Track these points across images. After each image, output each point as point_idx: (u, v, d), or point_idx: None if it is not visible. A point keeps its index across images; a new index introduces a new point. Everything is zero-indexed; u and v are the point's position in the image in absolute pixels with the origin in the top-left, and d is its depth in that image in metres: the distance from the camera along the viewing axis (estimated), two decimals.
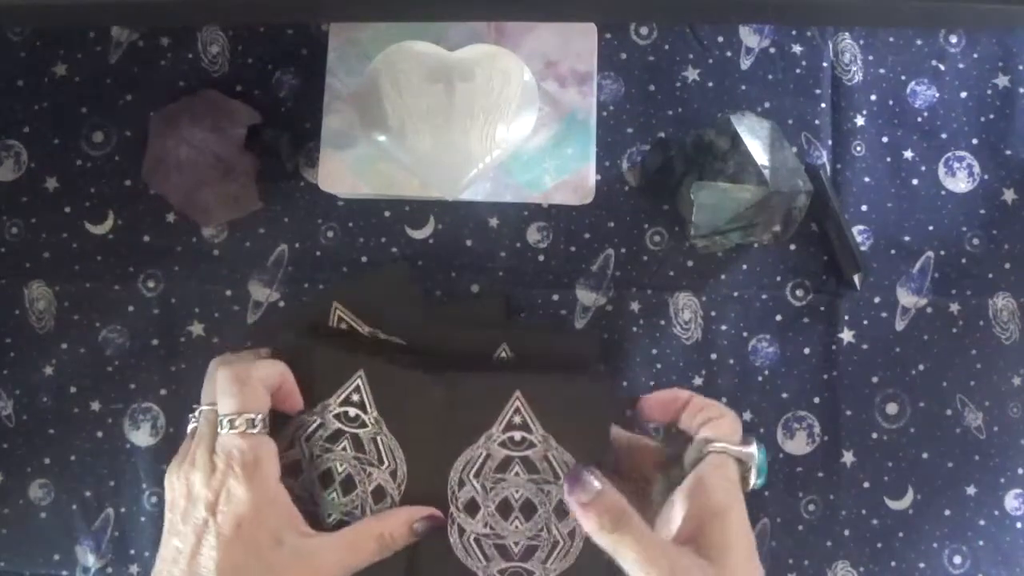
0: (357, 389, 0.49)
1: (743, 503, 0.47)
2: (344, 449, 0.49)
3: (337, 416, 0.49)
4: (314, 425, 0.49)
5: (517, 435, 0.49)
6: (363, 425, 0.49)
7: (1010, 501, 0.59)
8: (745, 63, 0.61)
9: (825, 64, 0.61)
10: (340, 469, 0.49)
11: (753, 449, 0.48)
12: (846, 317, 0.59)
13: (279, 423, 0.49)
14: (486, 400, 0.49)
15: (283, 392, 0.49)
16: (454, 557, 0.49)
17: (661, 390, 0.52)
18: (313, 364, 0.49)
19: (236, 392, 0.46)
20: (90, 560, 0.58)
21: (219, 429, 0.46)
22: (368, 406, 0.49)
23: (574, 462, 0.49)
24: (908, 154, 0.61)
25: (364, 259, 0.60)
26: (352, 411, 0.49)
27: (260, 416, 0.46)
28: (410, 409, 0.49)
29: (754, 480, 0.48)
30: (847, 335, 0.59)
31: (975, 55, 0.61)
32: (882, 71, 0.61)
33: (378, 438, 0.49)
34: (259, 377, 0.47)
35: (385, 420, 0.49)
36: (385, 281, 0.56)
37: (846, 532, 0.58)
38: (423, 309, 0.56)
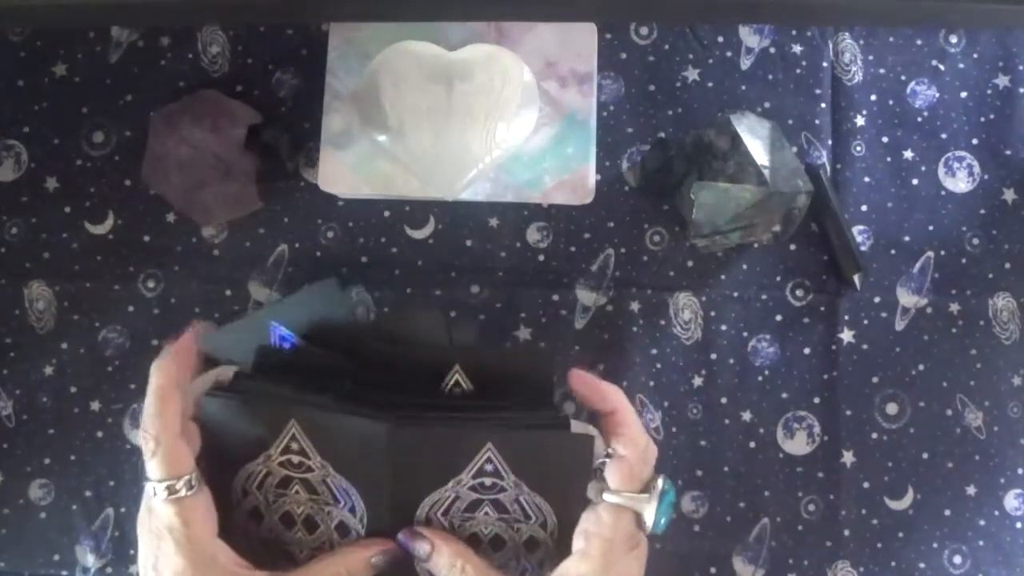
0: (294, 438, 0.48)
1: (629, 556, 0.47)
2: (297, 492, 0.49)
3: (282, 464, 0.48)
4: (261, 474, 0.49)
5: (488, 480, 0.48)
6: (309, 470, 0.48)
7: (1010, 501, 0.59)
8: (745, 63, 0.61)
9: (825, 64, 0.61)
10: (299, 511, 0.49)
11: (658, 488, 0.47)
12: (846, 317, 0.59)
13: (227, 475, 0.49)
14: (456, 449, 0.48)
15: (183, 373, 0.48)
16: None
17: (596, 379, 0.50)
18: (244, 420, 0.48)
19: (151, 459, 0.45)
20: (90, 560, 0.58)
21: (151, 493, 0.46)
22: (310, 452, 0.48)
23: (547, 505, 0.48)
24: (908, 154, 0.61)
25: (364, 259, 0.60)
26: (295, 458, 0.48)
27: (184, 479, 0.45)
28: (353, 452, 0.48)
29: (650, 528, 0.47)
30: (847, 335, 0.59)
31: (975, 55, 0.61)
32: (882, 71, 0.61)
33: (328, 479, 0.48)
34: (169, 437, 0.45)
35: (331, 464, 0.48)
36: (317, 298, 0.54)
37: (846, 532, 0.58)
38: (362, 324, 0.53)
